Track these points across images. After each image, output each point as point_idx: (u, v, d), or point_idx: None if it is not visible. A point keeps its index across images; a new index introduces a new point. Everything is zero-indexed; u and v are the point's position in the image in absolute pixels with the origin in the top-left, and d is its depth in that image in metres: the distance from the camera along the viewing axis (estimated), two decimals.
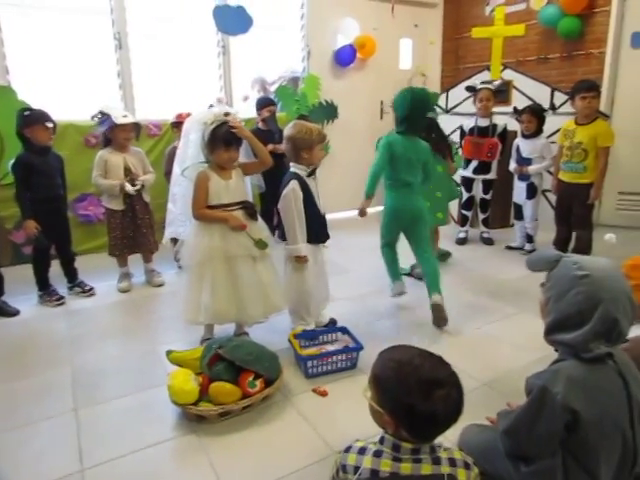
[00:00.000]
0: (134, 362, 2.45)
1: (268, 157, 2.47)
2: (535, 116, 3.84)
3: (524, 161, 3.91)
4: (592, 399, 1.21)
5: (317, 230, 2.52)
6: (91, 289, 3.33)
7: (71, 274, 3.35)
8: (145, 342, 2.65)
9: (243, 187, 2.46)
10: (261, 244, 2.40)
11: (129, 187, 3.22)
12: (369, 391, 1.22)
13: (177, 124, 3.58)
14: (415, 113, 2.75)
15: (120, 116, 3.21)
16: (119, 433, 1.91)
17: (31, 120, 2.95)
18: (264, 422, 1.95)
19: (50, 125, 3.02)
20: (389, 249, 3.09)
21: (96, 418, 2.01)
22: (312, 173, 2.48)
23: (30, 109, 3.03)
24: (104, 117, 3.20)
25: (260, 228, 2.46)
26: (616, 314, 1.21)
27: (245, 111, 4.81)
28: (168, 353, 2.18)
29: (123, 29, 4.24)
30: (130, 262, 3.49)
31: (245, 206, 2.41)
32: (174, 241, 2.72)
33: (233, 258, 2.36)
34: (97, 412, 2.05)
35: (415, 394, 1.09)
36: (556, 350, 1.37)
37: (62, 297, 3.20)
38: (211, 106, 2.62)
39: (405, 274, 3.44)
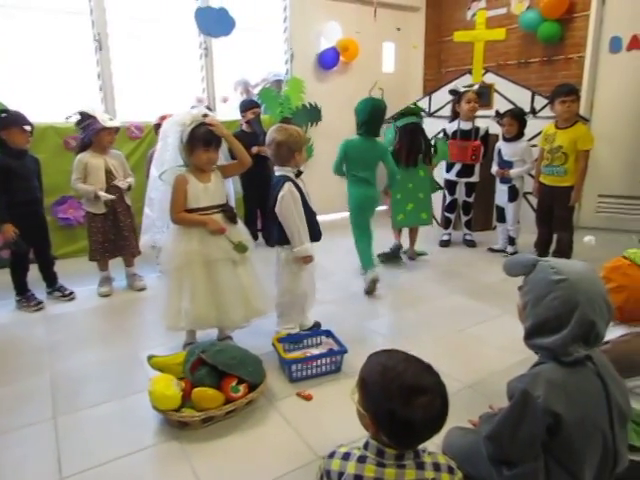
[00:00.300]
0: (115, 368, 2.41)
1: (247, 157, 2.45)
2: (516, 120, 3.87)
3: (505, 164, 3.94)
4: (573, 401, 1.21)
5: (313, 229, 2.51)
6: (71, 293, 3.27)
7: (50, 278, 3.29)
8: (126, 347, 2.61)
9: (222, 190, 2.42)
10: (241, 247, 2.38)
11: (102, 194, 3.15)
12: (356, 393, 1.21)
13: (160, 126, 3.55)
14: (373, 118, 3.27)
15: (106, 119, 3.17)
16: (99, 441, 1.87)
17: (8, 122, 2.89)
18: (247, 427, 1.93)
19: (28, 128, 2.96)
20: (362, 237, 3.41)
21: (76, 426, 1.97)
22: (299, 174, 2.48)
23: (7, 111, 2.97)
24: (90, 119, 3.14)
25: (240, 231, 2.44)
26: (593, 317, 1.23)
27: (225, 113, 4.81)
28: (149, 358, 2.14)
29: (103, 30, 4.19)
30: (111, 266, 3.43)
31: (224, 209, 2.39)
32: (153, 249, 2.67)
33: (213, 262, 2.33)
34: (77, 419, 2.00)
35: (395, 399, 1.08)
36: (537, 353, 1.37)
37: (41, 302, 3.13)
38: (193, 107, 2.59)
39: (382, 261, 3.86)
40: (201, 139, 2.25)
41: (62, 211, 3.97)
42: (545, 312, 1.27)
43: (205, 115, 2.29)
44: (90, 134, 3.14)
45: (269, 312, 2.54)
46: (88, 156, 3.19)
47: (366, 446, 1.17)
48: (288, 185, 2.37)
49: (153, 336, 2.70)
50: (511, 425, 1.26)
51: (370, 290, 3.25)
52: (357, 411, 1.21)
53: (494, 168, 4.05)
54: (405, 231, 4.06)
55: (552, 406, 1.20)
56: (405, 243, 4.04)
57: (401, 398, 1.08)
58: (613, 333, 1.70)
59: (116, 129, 3.25)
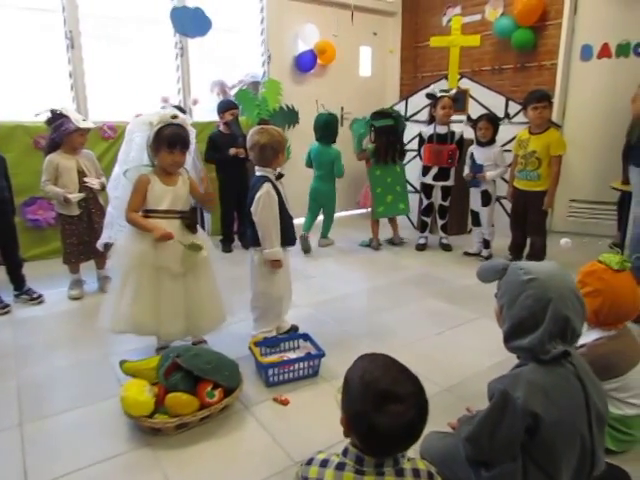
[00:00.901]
0: (85, 373, 2.34)
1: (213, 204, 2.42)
2: (491, 124, 3.92)
3: (477, 168, 3.98)
4: (552, 402, 1.22)
5: (288, 233, 2.48)
6: (40, 296, 3.17)
7: (18, 281, 3.17)
8: (97, 352, 2.54)
9: (186, 197, 2.35)
10: (194, 247, 2.26)
11: (71, 196, 3.05)
12: (339, 394, 1.21)
13: None
14: (327, 130, 4.26)
15: (80, 119, 3.08)
16: (68, 448, 1.81)
17: None
18: (223, 433, 1.89)
19: None
20: (312, 215, 4.46)
21: (43, 433, 1.90)
22: (280, 177, 2.45)
23: None
24: (62, 119, 3.03)
25: (197, 238, 2.34)
26: (566, 312, 1.25)
27: (196, 115, 4.76)
28: (121, 363, 2.09)
29: (75, 28, 4.09)
30: (82, 268, 3.33)
31: (184, 216, 2.31)
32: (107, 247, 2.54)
33: (164, 268, 2.25)
34: (44, 426, 1.94)
35: (368, 403, 1.07)
36: (518, 357, 1.38)
37: (7, 305, 3.03)
38: (164, 107, 2.54)
39: (365, 245, 4.47)
40: (166, 140, 2.18)
41: (31, 212, 3.86)
42: (520, 312, 1.29)
43: (174, 116, 2.23)
44: (62, 134, 3.03)
45: (213, 331, 2.45)
46: (59, 157, 3.08)
47: (345, 453, 1.15)
48: (267, 186, 2.34)
49: (125, 340, 2.61)
50: (490, 425, 1.27)
51: (304, 248, 4.22)
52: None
53: (466, 172, 4.08)
54: (383, 227, 4.47)
55: (531, 406, 1.20)
56: (385, 236, 4.52)
57: (374, 403, 1.06)
58: (588, 337, 1.73)
59: (88, 130, 3.15)
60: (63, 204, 3.10)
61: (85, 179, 3.12)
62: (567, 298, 1.26)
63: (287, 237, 2.47)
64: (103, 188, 3.16)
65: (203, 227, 4.08)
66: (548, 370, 1.26)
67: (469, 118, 4.15)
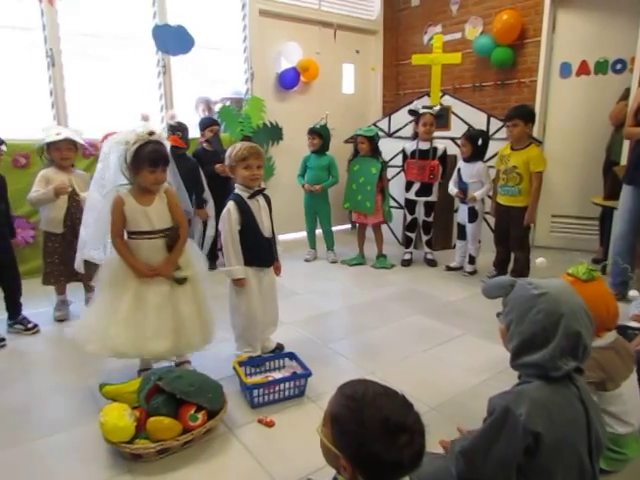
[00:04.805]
0: (64, 397, 2.27)
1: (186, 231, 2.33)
2: (469, 141, 3.93)
3: (463, 184, 4.01)
4: (554, 421, 1.19)
5: (259, 254, 2.45)
6: (35, 326, 2.98)
7: (14, 309, 3.01)
8: (77, 374, 2.46)
9: (166, 214, 2.25)
10: (178, 281, 2.24)
11: (61, 185, 2.95)
12: (323, 428, 1.10)
13: None
14: (328, 139, 4.50)
15: (52, 134, 3.02)
16: (46, 476, 1.74)
17: None
18: (206, 458, 1.83)
19: (4, 148, 2.80)
20: (311, 224, 4.64)
21: (19, 460, 1.82)
22: (256, 194, 2.42)
23: None
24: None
25: (184, 260, 2.29)
26: (578, 327, 1.22)
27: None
28: (101, 387, 2.02)
29: (56, 46, 4.08)
30: (69, 289, 3.27)
31: (167, 235, 2.24)
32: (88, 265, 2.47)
33: (149, 281, 2.20)
34: (20, 453, 1.86)
35: (379, 441, 0.98)
36: (522, 374, 1.34)
37: (3, 339, 2.83)
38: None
39: (354, 264, 4.48)
40: (147, 159, 2.11)
41: None
42: (530, 327, 1.25)
43: (151, 133, 2.16)
44: (44, 151, 3.02)
45: (205, 347, 2.39)
46: (51, 172, 3.03)
47: None
48: (230, 204, 2.36)
49: (105, 363, 2.55)
50: (487, 441, 1.23)
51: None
52: (323, 448, 1.10)
53: (451, 187, 4.10)
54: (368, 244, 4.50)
55: (533, 425, 1.16)
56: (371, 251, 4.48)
57: (385, 439, 0.98)
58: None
59: (67, 145, 3.03)
60: (51, 219, 3.02)
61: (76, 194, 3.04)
62: (578, 313, 1.24)
63: (256, 257, 2.44)
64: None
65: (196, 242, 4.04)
66: (553, 390, 1.23)
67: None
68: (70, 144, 3.06)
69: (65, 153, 3.04)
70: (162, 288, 2.22)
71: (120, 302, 2.16)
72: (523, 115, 3.52)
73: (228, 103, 4.93)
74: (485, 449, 1.23)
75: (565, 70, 4.72)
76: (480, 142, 3.93)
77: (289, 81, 5.30)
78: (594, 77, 4.58)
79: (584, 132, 4.66)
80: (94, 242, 2.31)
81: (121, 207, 2.16)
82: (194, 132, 4.39)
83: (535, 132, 4.50)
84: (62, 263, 3.06)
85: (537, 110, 4.71)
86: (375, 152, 4.27)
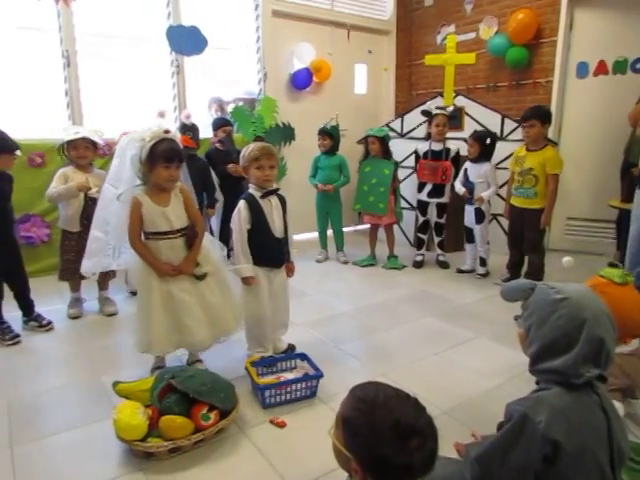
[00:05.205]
0: (77, 395, 2.29)
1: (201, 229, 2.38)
2: (477, 142, 3.90)
3: (469, 184, 3.98)
4: (574, 430, 1.16)
5: (268, 254, 2.45)
6: (49, 323, 3.02)
7: (27, 306, 3.04)
8: (90, 373, 2.48)
9: (183, 213, 2.30)
10: (199, 278, 2.30)
11: (81, 182, 2.99)
12: (335, 430, 1.10)
13: None
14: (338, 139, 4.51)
15: (72, 133, 3.05)
16: (59, 472, 1.76)
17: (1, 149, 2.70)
18: (217, 458, 1.83)
19: (19, 153, 2.82)
20: (322, 225, 4.65)
21: (34, 455, 1.85)
22: (267, 194, 2.42)
23: None
24: None
25: (203, 256, 2.34)
26: (601, 333, 1.19)
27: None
28: (114, 385, 2.04)
29: (72, 47, 4.11)
30: (83, 286, 3.29)
31: (185, 234, 2.28)
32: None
33: (169, 283, 2.25)
34: (35, 449, 1.88)
35: (390, 444, 0.97)
36: (540, 380, 1.32)
37: (17, 335, 2.86)
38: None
39: (365, 265, 4.46)
40: (162, 155, 2.15)
41: (25, 229, 3.82)
42: (552, 332, 1.22)
43: (167, 131, 2.20)
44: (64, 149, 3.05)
45: (236, 331, 2.46)
46: (70, 170, 3.08)
47: None
48: (241, 203, 2.39)
49: (119, 361, 2.58)
50: (504, 448, 1.20)
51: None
52: (335, 450, 1.10)
53: (458, 187, 4.06)
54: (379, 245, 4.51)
55: (553, 433, 1.13)
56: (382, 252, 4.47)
57: (396, 442, 0.97)
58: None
59: (84, 144, 3.06)
60: (69, 218, 3.07)
61: (90, 192, 3.05)
62: (601, 319, 1.21)
63: (266, 257, 2.45)
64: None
65: (212, 233, 4.08)
66: (573, 397, 1.20)
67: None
68: (88, 143, 3.09)
69: (82, 152, 3.08)
70: (185, 285, 2.27)
71: (151, 305, 2.23)
72: (540, 116, 3.47)
73: (241, 103, 4.94)
74: (502, 456, 1.20)
75: (582, 70, 4.65)
76: (488, 142, 3.90)
77: (301, 81, 5.29)
78: (612, 77, 4.50)
79: (601, 133, 4.59)
80: (117, 243, 2.33)
81: (139, 209, 2.19)
82: (207, 132, 4.42)
83: (550, 133, 4.45)
84: (78, 260, 3.07)
85: (553, 111, 4.66)
86: (386, 153, 4.26)
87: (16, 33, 3.92)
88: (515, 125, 4.40)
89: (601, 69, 4.55)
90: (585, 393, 1.21)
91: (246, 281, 2.41)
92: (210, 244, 2.44)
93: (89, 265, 2.45)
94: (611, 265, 3.44)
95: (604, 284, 1.69)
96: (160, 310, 2.23)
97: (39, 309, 3.11)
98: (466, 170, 4.02)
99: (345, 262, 4.53)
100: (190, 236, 2.28)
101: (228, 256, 4.19)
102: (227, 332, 2.42)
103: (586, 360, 1.19)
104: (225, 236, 4.31)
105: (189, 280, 2.29)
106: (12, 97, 3.91)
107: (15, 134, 2.84)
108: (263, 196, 2.41)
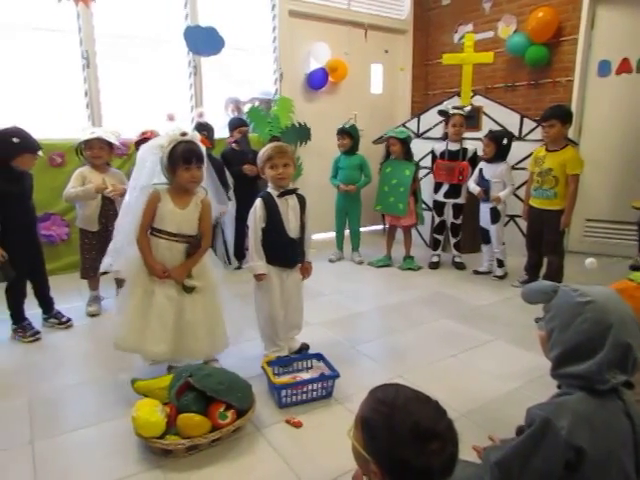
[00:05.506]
0: (96, 391, 2.32)
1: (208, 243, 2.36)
2: (493, 141, 3.87)
3: (484, 183, 3.94)
4: (598, 436, 1.13)
5: (281, 253, 2.45)
6: (69, 320, 3.06)
7: (47, 303, 3.09)
8: (109, 369, 2.51)
9: (195, 222, 2.28)
10: (186, 289, 2.26)
11: (99, 185, 3.03)
12: (354, 431, 1.09)
13: (144, 141, 3.45)
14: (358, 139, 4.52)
15: (88, 133, 3.08)
16: (78, 468, 1.78)
17: (21, 149, 2.71)
18: (234, 456, 1.84)
19: (40, 153, 2.85)
20: (340, 225, 4.68)
21: (54, 451, 1.87)
22: (286, 193, 2.42)
23: (17, 134, 2.72)
24: None
25: (199, 270, 2.31)
26: (628, 338, 1.16)
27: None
28: (133, 382, 2.06)
29: (91, 48, 4.17)
30: (101, 284, 3.34)
31: (189, 242, 2.27)
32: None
33: (156, 283, 2.23)
34: (55, 445, 1.91)
35: (409, 447, 0.97)
36: (562, 385, 1.29)
37: (38, 332, 2.90)
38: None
39: (381, 265, 4.45)
40: (181, 157, 2.16)
41: (45, 228, 3.87)
42: (575, 337, 1.20)
43: (184, 134, 2.22)
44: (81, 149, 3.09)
45: (208, 357, 2.41)
46: (87, 171, 3.12)
47: None
48: (257, 201, 2.40)
49: (136, 358, 2.59)
50: (525, 454, 1.18)
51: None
52: (354, 451, 1.09)
53: (473, 186, 4.02)
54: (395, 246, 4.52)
55: (576, 440, 1.11)
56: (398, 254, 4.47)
57: (415, 445, 0.97)
58: None
59: (99, 144, 3.09)
60: (87, 217, 3.11)
61: (105, 191, 3.08)
62: (628, 323, 1.18)
63: (278, 256, 2.44)
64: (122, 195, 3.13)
65: (215, 252, 4.08)
66: (597, 403, 1.17)
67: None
68: (103, 144, 3.12)
69: (97, 152, 3.11)
70: (170, 292, 2.24)
71: (130, 300, 2.23)
72: (560, 115, 3.42)
73: (257, 103, 4.96)
74: (523, 461, 1.18)
75: (604, 68, 4.57)
76: (505, 142, 3.86)
77: (317, 81, 5.29)
78: (637, 75, 4.42)
79: (623, 133, 4.52)
80: (128, 241, 2.35)
81: (156, 203, 2.21)
82: (223, 132, 4.44)
83: (570, 133, 4.39)
84: (99, 259, 3.12)
85: (573, 111, 4.60)
86: (407, 154, 4.24)
87: (37, 34, 3.98)
88: (534, 125, 4.35)
89: (624, 67, 4.47)
90: (610, 399, 1.18)
91: (259, 278, 2.43)
92: (211, 263, 2.41)
93: (106, 261, 2.47)
94: (634, 268, 3.39)
95: (633, 288, 1.66)
96: (136, 309, 2.21)
97: (58, 307, 3.15)
98: (481, 170, 3.99)
99: (360, 262, 4.52)
100: (193, 245, 2.27)
101: (240, 267, 4.25)
102: (191, 355, 2.32)
103: (611, 366, 1.16)
104: (239, 242, 4.34)
105: (176, 290, 2.25)
106: (33, 98, 3.96)
107: (36, 134, 2.89)
108: (280, 195, 2.41)
